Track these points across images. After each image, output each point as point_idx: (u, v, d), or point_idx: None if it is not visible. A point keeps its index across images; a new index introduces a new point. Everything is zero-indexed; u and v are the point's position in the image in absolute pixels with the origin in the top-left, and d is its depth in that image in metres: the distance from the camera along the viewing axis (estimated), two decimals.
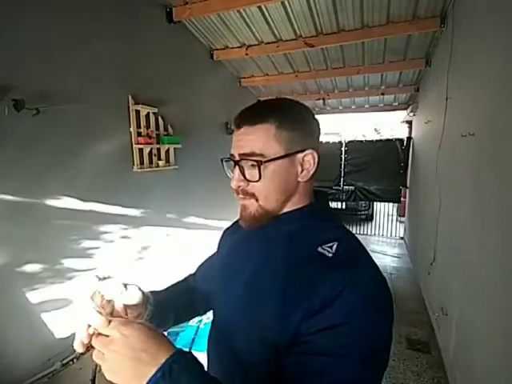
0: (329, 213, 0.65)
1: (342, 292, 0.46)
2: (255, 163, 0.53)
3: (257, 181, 0.54)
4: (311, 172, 0.57)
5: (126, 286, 0.56)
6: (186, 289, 0.79)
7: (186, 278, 0.84)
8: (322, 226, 0.58)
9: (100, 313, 0.46)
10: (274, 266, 0.55)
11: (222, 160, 0.62)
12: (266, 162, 0.53)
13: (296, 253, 0.55)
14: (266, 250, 0.59)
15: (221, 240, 0.78)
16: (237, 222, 0.72)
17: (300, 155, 0.56)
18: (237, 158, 0.56)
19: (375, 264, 0.53)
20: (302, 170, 0.57)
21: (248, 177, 0.55)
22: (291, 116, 0.56)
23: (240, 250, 0.66)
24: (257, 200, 0.56)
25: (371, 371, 0.47)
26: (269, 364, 0.51)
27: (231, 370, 0.58)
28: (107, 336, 0.43)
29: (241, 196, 0.57)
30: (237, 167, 0.56)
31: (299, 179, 0.57)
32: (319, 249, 0.53)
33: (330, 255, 0.51)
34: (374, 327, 0.47)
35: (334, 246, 0.52)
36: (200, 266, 0.82)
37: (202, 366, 0.43)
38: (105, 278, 0.55)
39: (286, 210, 0.59)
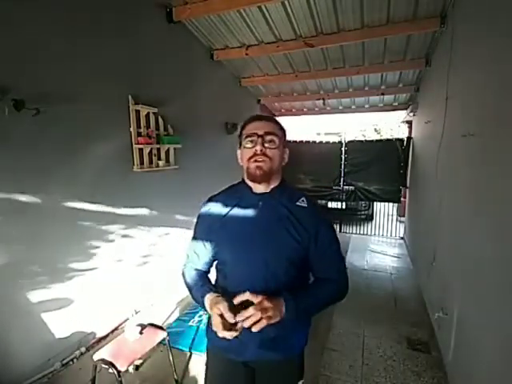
0: (291, 184, 1.07)
1: (320, 225, 0.97)
2: (276, 138, 0.93)
3: (275, 148, 0.93)
4: (286, 161, 1.01)
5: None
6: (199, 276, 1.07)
7: (184, 273, 1.11)
8: (292, 190, 1.03)
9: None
10: (280, 216, 0.95)
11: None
12: (282, 139, 0.96)
13: (287, 207, 0.97)
14: (272, 209, 0.96)
15: (210, 209, 1.14)
16: (215, 196, 1.14)
17: (285, 149, 1.00)
18: (262, 133, 0.91)
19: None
20: (283, 159, 1.00)
21: (267, 145, 0.92)
22: (284, 129, 1.00)
23: (254, 211, 0.97)
24: (270, 160, 0.92)
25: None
26: (288, 268, 0.95)
27: (261, 279, 0.93)
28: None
29: (260, 158, 0.91)
30: (260, 139, 0.91)
31: (282, 163, 1.00)
32: (297, 203, 0.98)
33: (305, 205, 0.98)
34: (336, 237, 1.02)
35: (305, 200, 0.99)
36: (196, 247, 1.13)
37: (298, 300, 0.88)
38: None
39: (273, 183, 0.98)
